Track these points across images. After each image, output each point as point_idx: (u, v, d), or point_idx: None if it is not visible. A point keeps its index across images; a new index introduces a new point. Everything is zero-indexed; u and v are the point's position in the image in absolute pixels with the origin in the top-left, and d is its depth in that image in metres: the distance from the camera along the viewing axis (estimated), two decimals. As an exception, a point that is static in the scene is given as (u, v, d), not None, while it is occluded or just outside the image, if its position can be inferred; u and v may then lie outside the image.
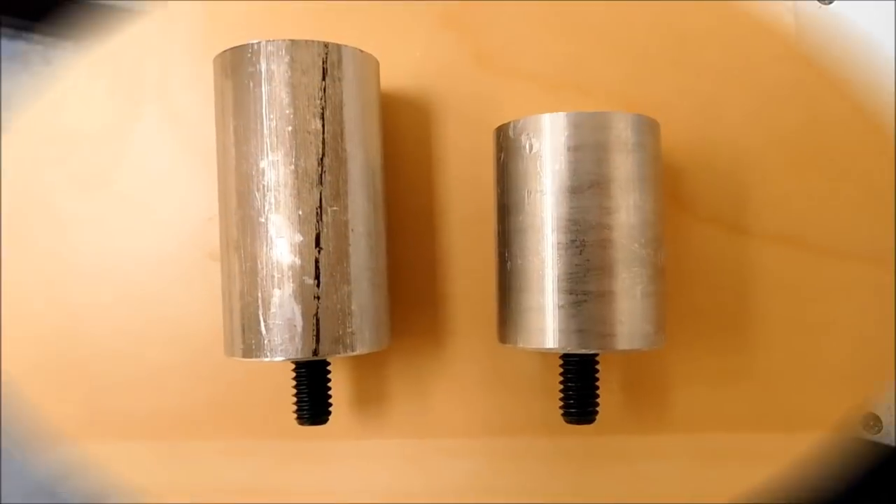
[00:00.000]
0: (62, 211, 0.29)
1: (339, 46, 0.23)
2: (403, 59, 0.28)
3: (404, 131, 0.28)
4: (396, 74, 0.27)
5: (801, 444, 0.27)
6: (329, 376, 0.25)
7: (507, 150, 0.24)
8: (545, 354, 0.27)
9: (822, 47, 0.27)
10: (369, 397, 0.28)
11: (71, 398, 0.28)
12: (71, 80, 0.29)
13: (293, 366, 0.25)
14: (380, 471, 0.28)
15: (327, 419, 0.25)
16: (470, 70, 0.28)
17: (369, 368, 0.28)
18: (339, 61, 0.23)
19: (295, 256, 0.22)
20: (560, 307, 0.22)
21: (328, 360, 0.25)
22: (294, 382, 0.25)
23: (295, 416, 0.25)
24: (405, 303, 0.27)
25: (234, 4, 0.28)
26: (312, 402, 0.25)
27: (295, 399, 0.25)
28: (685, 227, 0.27)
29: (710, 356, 0.27)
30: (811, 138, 0.27)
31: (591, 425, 0.27)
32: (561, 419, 0.26)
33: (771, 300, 0.27)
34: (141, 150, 0.29)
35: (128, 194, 0.29)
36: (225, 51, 0.23)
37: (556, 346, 0.22)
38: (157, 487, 0.28)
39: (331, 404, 0.25)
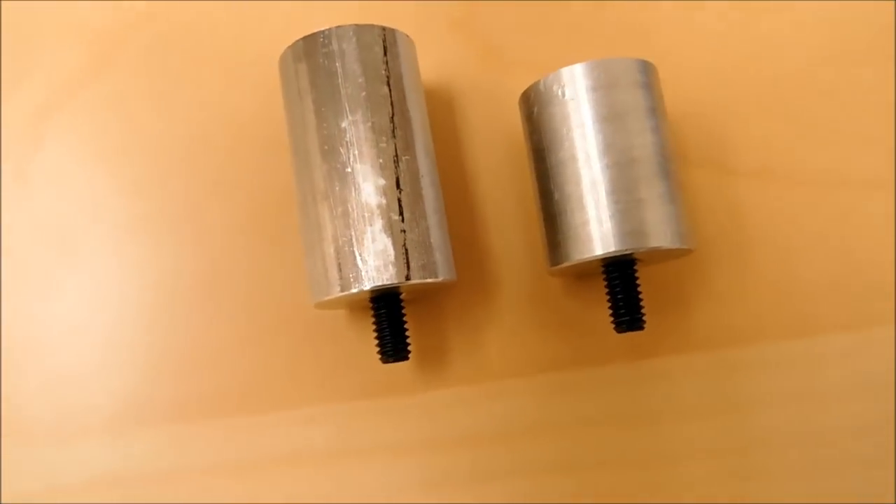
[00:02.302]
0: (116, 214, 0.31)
1: (392, 30, 0.28)
2: (420, 57, 0.32)
3: (430, 109, 0.32)
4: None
5: (817, 347, 0.31)
6: (404, 313, 0.28)
7: (538, 102, 0.28)
8: (583, 292, 0.31)
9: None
10: (428, 351, 0.31)
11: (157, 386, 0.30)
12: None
13: (371, 315, 0.28)
14: (445, 418, 0.30)
15: (408, 355, 0.28)
16: (477, 64, 0.33)
17: (426, 322, 0.31)
18: (395, 41, 0.28)
19: (381, 197, 0.26)
20: (604, 218, 0.27)
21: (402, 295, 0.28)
22: (374, 326, 0.28)
23: (379, 354, 0.28)
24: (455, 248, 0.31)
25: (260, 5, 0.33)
26: (394, 337, 0.28)
27: (377, 338, 0.28)
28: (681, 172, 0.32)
29: (718, 280, 0.32)
30: (774, 89, 0.33)
31: (630, 352, 0.31)
32: (605, 352, 0.30)
33: (757, 227, 0.32)
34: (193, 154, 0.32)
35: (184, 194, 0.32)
36: (297, 40, 0.27)
37: (607, 250, 0.26)
38: (240, 461, 0.30)
39: (409, 342, 0.28)
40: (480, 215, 0.32)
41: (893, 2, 0.34)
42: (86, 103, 0.32)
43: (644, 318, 0.28)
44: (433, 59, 0.33)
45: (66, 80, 0.33)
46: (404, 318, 0.28)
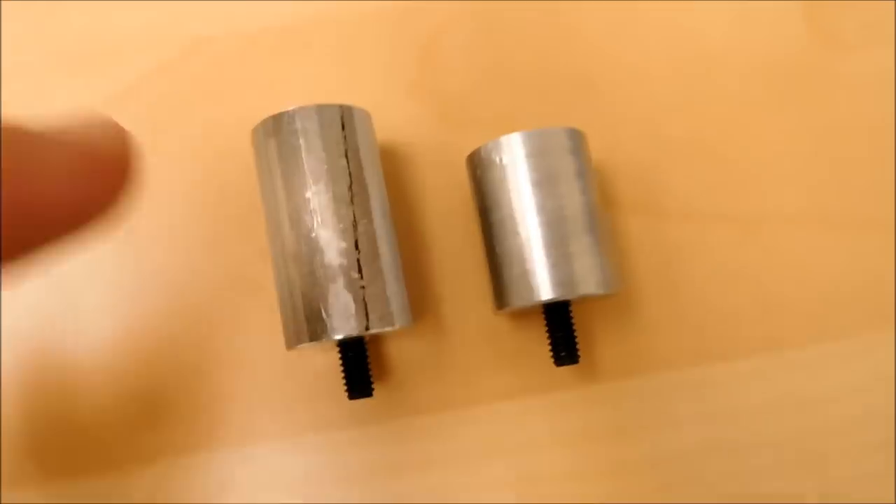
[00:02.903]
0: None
1: (350, 107, 0.31)
2: (382, 120, 0.36)
3: (390, 171, 0.36)
4: (378, 132, 0.36)
5: (738, 369, 0.35)
6: (367, 355, 0.32)
7: (481, 166, 0.32)
8: (528, 328, 0.35)
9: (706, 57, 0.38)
10: (394, 384, 0.35)
11: (143, 427, 0.34)
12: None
13: (338, 358, 0.32)
14: (408, 445, 0.34)
15: (372, 391, 0.32)
16: (435, 124, 0.37)
17: (390, 359, 0.35)
18: (352, 117, 0.31)
19: (342, 258, 0.30)
20: (540, 270, 0.30)
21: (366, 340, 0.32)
22: (342, 367, 0.32)
23: (346, 391, 0.32)
24: (413, 295, 0.35)
25: (249, 81, 0.37)
26: (360, 376, 0.32)
27: (344, 378, 0.32)
28: (614, 219, 0.36)
29: (652, 312, 0.36)
30: (692, 138, 0.37)
31: (574, 379, 0.35)
32: (550, 381, 0.34)
33: (688, 263, 0.36)
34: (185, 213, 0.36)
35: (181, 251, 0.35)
36: (266, 118, 0.31)
37: (542, 298, 0.30)
38: (219, 493, 0.34)
39: (372, 380, 0.32)
40: (437, 265, 0.36)
41: (807, 56, 0.38)
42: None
43: (579, 352, 0.32)
44: (392, 121, 0.36)
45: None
46: (368, 360, 0.32)
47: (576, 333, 0.32)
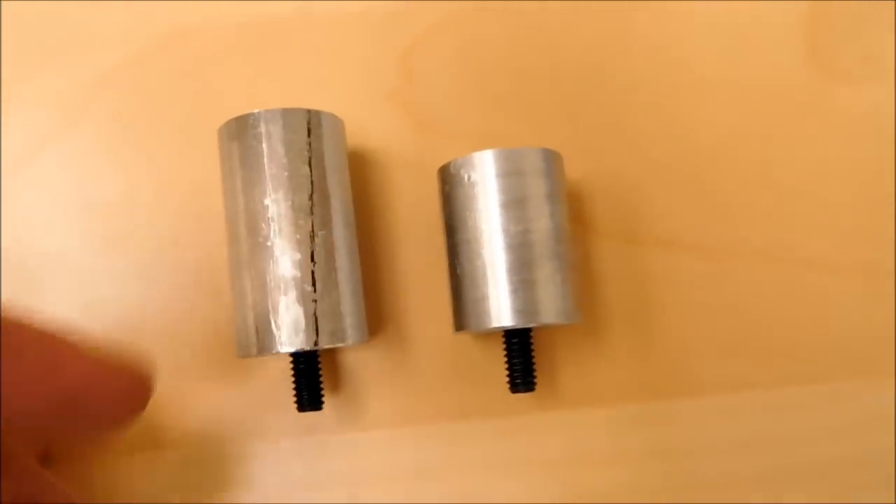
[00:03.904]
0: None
1: (318, 112, 0.30)
2: (356, 128, 0.35)
3: (362, 180, 0.35)
4: (351, 139, 0.35)
5: (703, 406, 0.34)
6: (320, 369, 0.32)
7: (449, 182, 0.31)
8: (490, 347, 0.34)
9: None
10: (348, 396, 0.34)
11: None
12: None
13: (290, 368, 0.31)
14: (362, 458, 0.34)
15: (322, 406, 0.31)
16: (411, 135, 0.36)
17: (346, 368, 0.34)
18: (319, 123, 0.30)
19: (296, 270, 0.29)
20: (501, 295, 0.30)
21: (318, 354, 0.31)
22: (293, 378, 0.31)
23: (295, 405, 0.31)
24: (373, 316, 0.34)
25: (227, 79, 0.36)
26: (310, 390, 0.31)
27: (294, 390, 0.31)
28: (589, 242, 0.35)
29: (619, 342, 0.35)
30: (678, 165, 0.36)
31: (532, 404, 0.34)
32: (505, 404, 0.33)
33: (661, 293, 0.35)
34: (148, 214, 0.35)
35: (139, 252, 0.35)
36: (230, 120, 0.30)
37: (500, 324, 0.29)
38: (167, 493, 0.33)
39: (323, 394, 0.32)
40: (402, 277, 0.35)
41: (804, 87, 0.36)
42: (50, 160, 0.35)
43: (535, 380, 0.32)
44: (367, 128, 0.35)
45: (33, 138, 0.36)
46: (319, 373, 0.31)
47: (534, 361, 0.32)
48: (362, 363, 0.34)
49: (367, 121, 0.35)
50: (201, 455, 0.34)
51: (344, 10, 0.36)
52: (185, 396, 0.34)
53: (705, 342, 0.35)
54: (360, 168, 0.35)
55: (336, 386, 0.34)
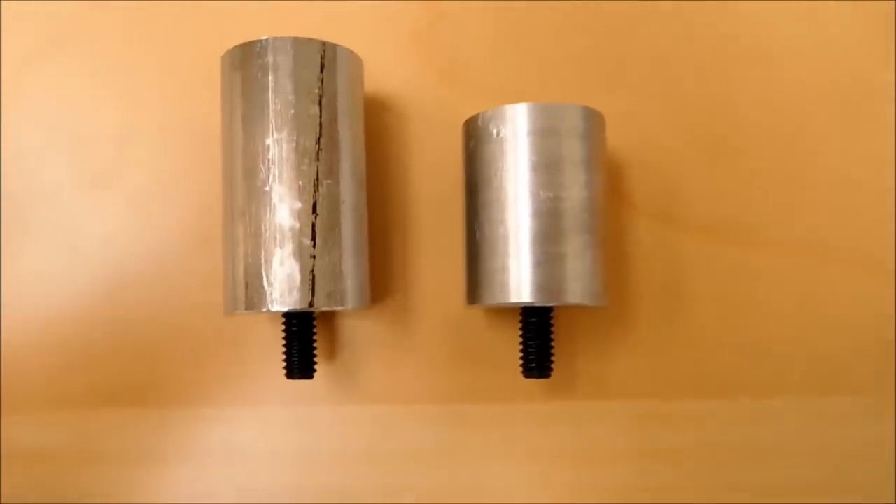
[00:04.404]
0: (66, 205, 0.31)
1: (334, 46, 0.27)
2: (377, 69, 0.31)
3: (378, 127, 0.32)
4: (371, 82, 0.31)
5: (729, 409, 0.31)
6: (315, 332, 0.28)
7: (476, 137, 0.28)
8: (505, 326, 0.31)
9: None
10: (345, 366, 0.31)
11: (73, 372, 0.31)
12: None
13: (282, 329, 0.28)
14: (356, 434, 0.31)
15: (313, 374, 0.28)
16: (434, 82, 0.32)
17: (345, 336, 0.31)
18: (335, 58, 0.27)
19: (295, 220, 0.26)
20: (522, 267, 0.26)
21: (314, 315, 0.28)
22: (283, 340, 0.28)
23: (284, 370, 0.28)
24: (380, 282, 0.31)
25: (236, 6, 0.32)
26: (301, 355, 0.28)
27: (284, 355, 0.28)
28: (624, 219, 0.32)
29: (645, 331, 0.31)
30: (730, 144, 0.32)
31: (544, 392, 0.31)
32: (515, 389, 0.30)
33: (695, 281, 0.31)
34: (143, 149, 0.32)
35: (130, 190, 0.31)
36: (235, 46, 0.27)
37: (519, 300, 0.26)
38: (145, 450, 0.30)
39: (316, 360, 0.28)
40: (414, 241, 0.31)
41: (881, 78, 0.32)
42: (35, 82, 0.32)
43: (552, 366, 0.28)
44: (389, 71, 0.32)
45: (18, 59, 0.32)
46: (314, 338, 0.28)
47: (552, 345, 0.28)
48: (363, 331, 0.31)
49: (387, 63, 0.32)
50: (179, 416, 0.31)
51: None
52: (166, 350, 0.31)
53: (737, 341, 0.31)
54: (376, 114, 0.32)
55: (332, 353, 0.31)
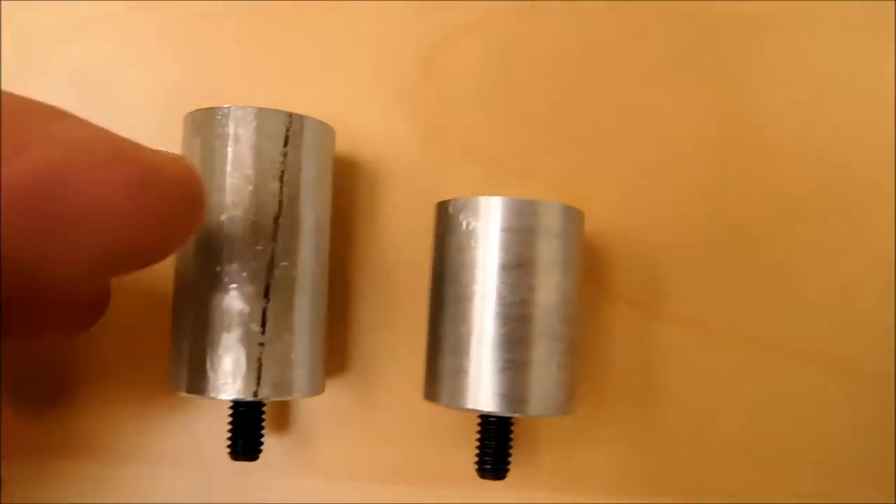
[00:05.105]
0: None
1: (301, 117, 0.25)
2: (357, 127, 0.30)
3: (352, 192, 0.30)
4: (350, 140, 0.30)
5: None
6: (263, 416, 0.27)
7: (445, 224, 0.26)
8: (463, 412, 0.29)
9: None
10: (298, 439, 0.30)
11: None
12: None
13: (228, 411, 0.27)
14: (302, 507, 0.30)
15: (258, 457, 0.27)
16: (418, 145, 0.30)
17: (302, 411, 0.30)
18: (301, 130, 0.25)
19: (245, 304, 0.24)
20: (483, 372, 0.25)
21: (263, 404, 0.27)
22: (229, 422, 0.27)
23: (228, 450, 0.27)
24: (340, 354, 0.30)
25: (206, 67, 0.30)
26: (246, 440, 0.26)
27: (229, 436, 0.27)
28: (601, 306, 0.30)
29: (615, 426, 0.30)
30: (718, 233, 0.30)
31: (502, 482, 0.29)
32: (473, 473, 0.29)
33: (672, 377, 0.30)
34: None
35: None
36: (196, 110, 0.25)
37: (476, 407, 0.25)
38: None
39: (262, 442, 0.27)
40: (380, 316, 0.30)
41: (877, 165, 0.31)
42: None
43: (508, 468, 0.27)
44: (370, 131, 0.30)
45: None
46: (262, 423, 0.27)
47: (510, 449, 0.27)
48: (317, 403, 0.30)
49: (369, 121, 0.30)
50: (122, 475, 0.29)
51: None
52: (111, 411, 0.29)
53: (714, 443, 0.30)
54: (350, 178, 0.30)
55: (283, 424, 0.30)
